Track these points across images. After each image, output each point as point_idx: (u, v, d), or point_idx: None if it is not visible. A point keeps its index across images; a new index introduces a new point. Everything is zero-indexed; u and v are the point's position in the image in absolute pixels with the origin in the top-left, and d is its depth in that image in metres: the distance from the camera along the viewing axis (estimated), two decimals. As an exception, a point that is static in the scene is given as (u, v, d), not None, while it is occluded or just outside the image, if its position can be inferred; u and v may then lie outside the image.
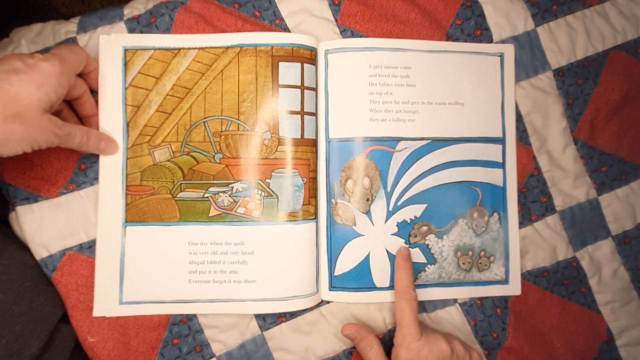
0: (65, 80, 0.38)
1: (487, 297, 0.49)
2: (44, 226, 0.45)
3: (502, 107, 0.49)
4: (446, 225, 0.48)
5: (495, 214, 0.49)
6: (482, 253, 0.49)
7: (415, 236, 0.48)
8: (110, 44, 0.45)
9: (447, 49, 0.49)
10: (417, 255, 0.48)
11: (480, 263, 0.49)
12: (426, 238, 0.48)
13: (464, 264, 0.48)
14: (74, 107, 0.44)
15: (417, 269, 0.48)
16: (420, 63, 0.48)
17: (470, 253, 0.49)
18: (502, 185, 0.49)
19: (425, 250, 0.48)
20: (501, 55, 0.49)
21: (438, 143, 0.48)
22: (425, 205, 0.48)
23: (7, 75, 0.35)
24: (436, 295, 0.48)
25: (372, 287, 0.47)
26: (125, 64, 0.45)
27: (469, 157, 0.49)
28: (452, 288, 0.48)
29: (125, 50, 0.45)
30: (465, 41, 0.50)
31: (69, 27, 0.46)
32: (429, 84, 0.48)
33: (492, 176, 0.49)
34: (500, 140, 0.49)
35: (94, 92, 0.46)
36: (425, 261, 0.48)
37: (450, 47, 0.49)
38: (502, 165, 0.49)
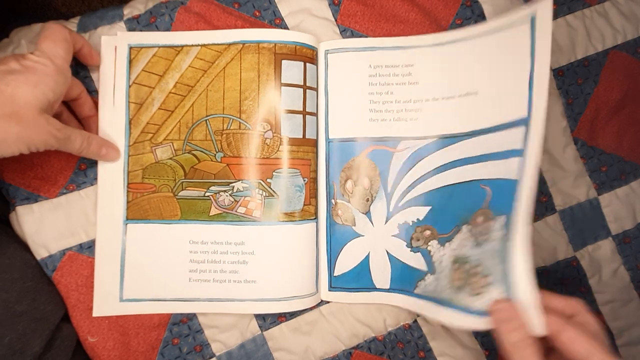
0: (62, 77, 0.38)
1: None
2: (44, 226, 0.44)
3: (531, 81, 0.39)
4: (449, 231, 0.44)
5: (502, 217, 0.38)
6: (477, 270, 0.38)
7: (418, 240, 0.46)
8: (116, 42, 0.45)
9: (456, 38, 0.45)
10: (418, 261, 0.45)
11: (473, 282, 0.38)
12: (429, 244, 0.45)
13: (458, 279, 0.40)
14: (73, 110, 0.44)
15: (417, 277, 0.45)
16: (423, 59, 0.47)
17: (468, 267, 0.40)
18: (517, 178, 0.38)
19: (427, 257, 0.45)
20: (532, 19, 0.39)
21: (444, 141, 0.45)
22: (429, 208, 0.46)
23: (2, 75, 0.35)
24: (428, 310, 0.42)
25: (372, 288, 0.47)
26: (130, 61, 0.45)
27: (480, 152, 0.43)
28: (440, 307, 0.40)
29: (130, 48, 0.45)
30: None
31: (69, 27, 0.46)
32: (433, 80, 0.46)
33: (506, 168, 0.40)
34: (524, 122, 0.39)
35: (93, 93, 0.46)
36: (426, 269, 0.44)
37: (461, 35, 0.44)
38: (520, 153, 0.38)
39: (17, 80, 0.35)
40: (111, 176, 0.45)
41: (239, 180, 0.45)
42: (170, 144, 0.46)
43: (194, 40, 0.46)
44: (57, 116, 0.43)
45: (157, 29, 0.47)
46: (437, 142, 0.46)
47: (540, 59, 0.39)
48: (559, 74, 0.51)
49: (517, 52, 0.40)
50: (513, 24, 0.41)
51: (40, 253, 0.44)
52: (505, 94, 0.41)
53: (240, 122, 0.46)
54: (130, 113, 0.46)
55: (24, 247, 0.44)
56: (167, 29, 0.47)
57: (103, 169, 0.45)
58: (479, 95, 0.44)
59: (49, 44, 0.38)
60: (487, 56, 0.43)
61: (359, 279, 0.47)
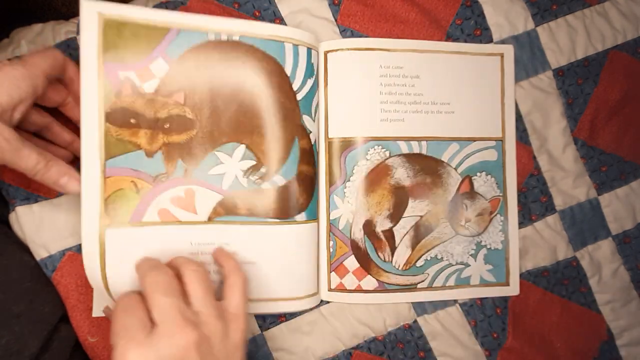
0: (28, 84, 0.35)
1: (487, 298, 0.49)
2: (43, 226, 0.44)
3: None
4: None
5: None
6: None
7: None
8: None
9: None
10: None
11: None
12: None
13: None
14: (66, 115, 0.42)
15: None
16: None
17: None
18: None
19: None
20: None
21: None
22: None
23: None
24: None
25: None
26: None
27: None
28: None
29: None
30: (465, 41, 0.50)
31: (69, 27, 0.46)
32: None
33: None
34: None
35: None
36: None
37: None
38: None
39: None
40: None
41: None
42: None
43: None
44: (46, 129, 0.41)
45: (157, 29, 0.46)
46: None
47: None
48: (559, 74, 0.51)
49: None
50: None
51: (40, 253, 0.44)
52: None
53: None
54: None
55: (23, 248, 0.44)
56: (167, 29, 0.46)
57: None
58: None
59: (35, 55, 0.36)
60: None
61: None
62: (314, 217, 0.46)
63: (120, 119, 0.39)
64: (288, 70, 0.44)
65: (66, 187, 0.39)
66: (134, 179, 0.40)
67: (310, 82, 0.45)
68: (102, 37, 0.38)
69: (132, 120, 0.39)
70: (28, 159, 0.36)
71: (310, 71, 0.45)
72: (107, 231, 0.39)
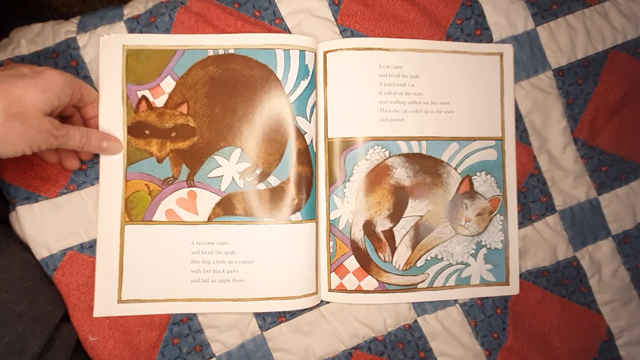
0: (70, 89, 0.40)
1: (487, 298, 0.49)
2: (44, 226, 0.45)
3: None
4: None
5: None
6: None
7: None
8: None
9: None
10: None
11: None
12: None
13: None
14: (80, 111, 0.45)
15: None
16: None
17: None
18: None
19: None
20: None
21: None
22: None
23: (13, 79, 0.36)
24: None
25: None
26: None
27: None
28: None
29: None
30: (465, 41, 0.50)
31: (69, 27, 0.46)
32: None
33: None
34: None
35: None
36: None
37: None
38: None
39: (27, 84, 0.36)
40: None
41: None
42: None
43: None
44: (69, 119, 0.44)
45: (157, 29, 0.47)
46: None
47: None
48: (559, 74, 0.51)
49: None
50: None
51: (40, 253, 0.44)
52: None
53: None
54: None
55: (24, 247, 0.44)
56: (167, 29, 0.47)
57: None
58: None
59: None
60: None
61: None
62: (311, 217, 0.46)
63: (138, 131, 0.45)
64: (279, 74, 0.45)
65: (110, 150, 0.44)
66: (147, 183, 0.45)
67: (304, 84, 0.45)
68: (125, 64, 0.45)
69: (147, 132, 0.45)
70: (74, 137, 0.40)
71: (304, 73, 0.45)
72: (126, 227, 0.45)
